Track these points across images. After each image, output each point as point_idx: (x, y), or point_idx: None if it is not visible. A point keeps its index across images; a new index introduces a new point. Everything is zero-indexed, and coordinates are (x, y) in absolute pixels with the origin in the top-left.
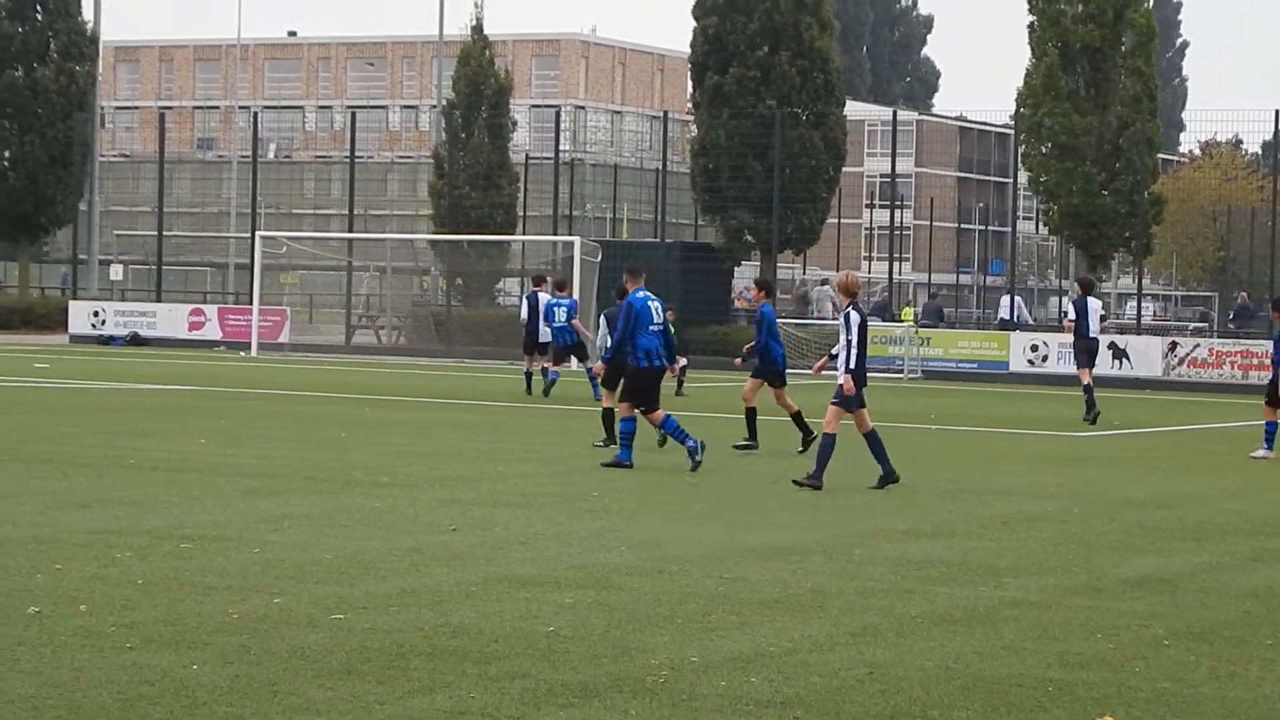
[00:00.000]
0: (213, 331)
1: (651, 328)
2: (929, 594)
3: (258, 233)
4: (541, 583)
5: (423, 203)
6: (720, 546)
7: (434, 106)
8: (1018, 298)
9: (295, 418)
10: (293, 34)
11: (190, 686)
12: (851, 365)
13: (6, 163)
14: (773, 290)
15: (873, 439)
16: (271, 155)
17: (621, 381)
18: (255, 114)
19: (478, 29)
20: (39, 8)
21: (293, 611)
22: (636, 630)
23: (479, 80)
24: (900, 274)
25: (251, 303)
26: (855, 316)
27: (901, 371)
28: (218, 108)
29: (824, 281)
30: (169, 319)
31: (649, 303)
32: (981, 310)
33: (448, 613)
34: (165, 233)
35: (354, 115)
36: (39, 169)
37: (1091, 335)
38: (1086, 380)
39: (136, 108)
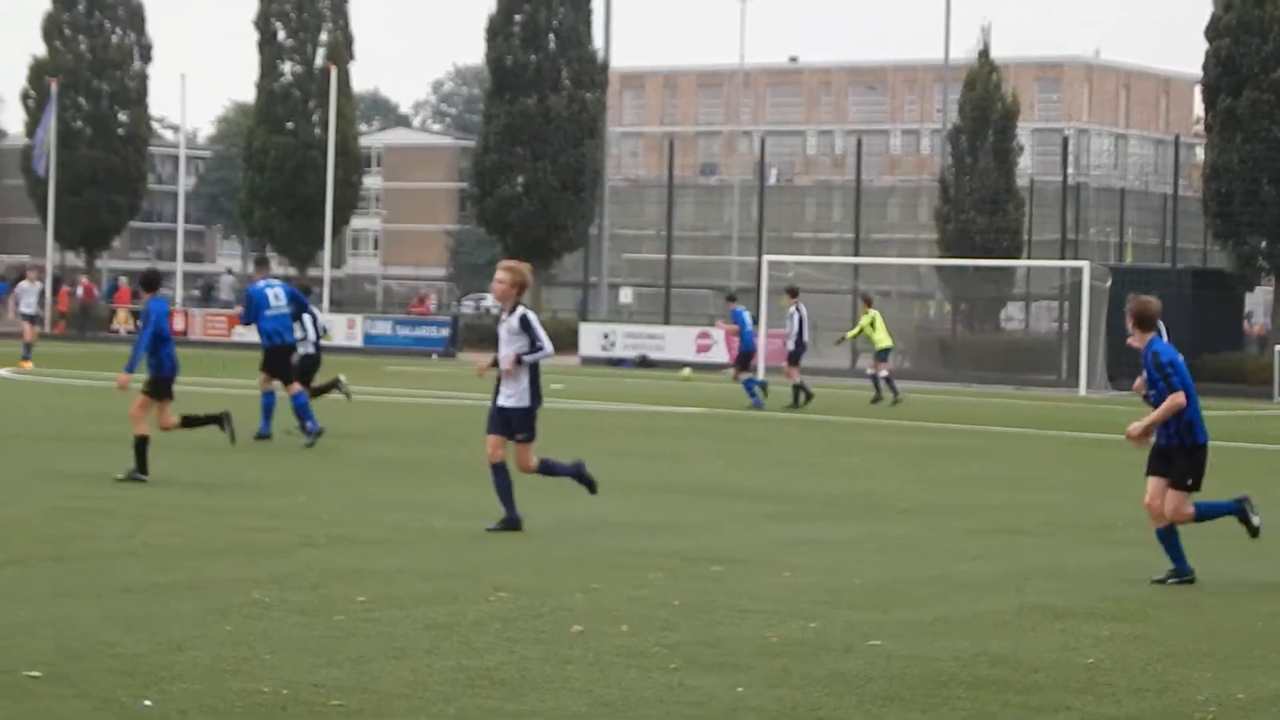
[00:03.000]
0: (719, 354)
1: (268, 312)
2: None
3: (765, 257)
4: (1075, 614)
5: (923, 227)
6: (1249, 581)
7: (936, 131)
8: None
9: (806, 442)
10: (794, 60)
11: (737, 709)
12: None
13: (520, 188)
14: (155, 283)
15: (500, 472)
16: (773, 180)
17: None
18: (761, 139)
19: (984, 53)
20: (552, 36)
21: (829, 636)
22: (1177, 664)
23: (985, 104)
24: None
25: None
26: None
27: None
28: (720, 133)
29: None
30: (677, 341)
31: (267, 290)
32: None
33: (984, 642)
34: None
35: (860, 141)
36: (551, 194)
37: None
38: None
39: (641, 134)
